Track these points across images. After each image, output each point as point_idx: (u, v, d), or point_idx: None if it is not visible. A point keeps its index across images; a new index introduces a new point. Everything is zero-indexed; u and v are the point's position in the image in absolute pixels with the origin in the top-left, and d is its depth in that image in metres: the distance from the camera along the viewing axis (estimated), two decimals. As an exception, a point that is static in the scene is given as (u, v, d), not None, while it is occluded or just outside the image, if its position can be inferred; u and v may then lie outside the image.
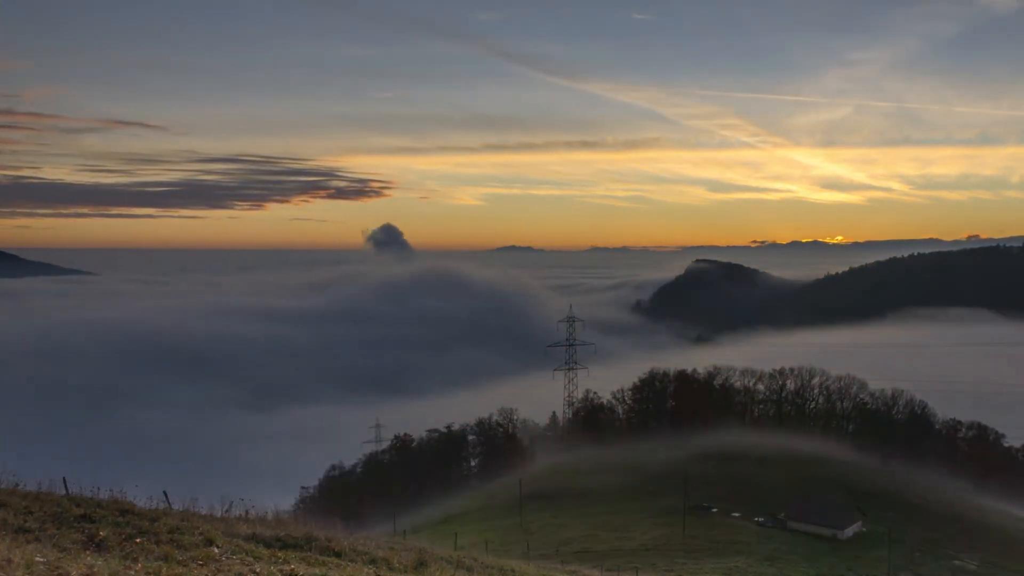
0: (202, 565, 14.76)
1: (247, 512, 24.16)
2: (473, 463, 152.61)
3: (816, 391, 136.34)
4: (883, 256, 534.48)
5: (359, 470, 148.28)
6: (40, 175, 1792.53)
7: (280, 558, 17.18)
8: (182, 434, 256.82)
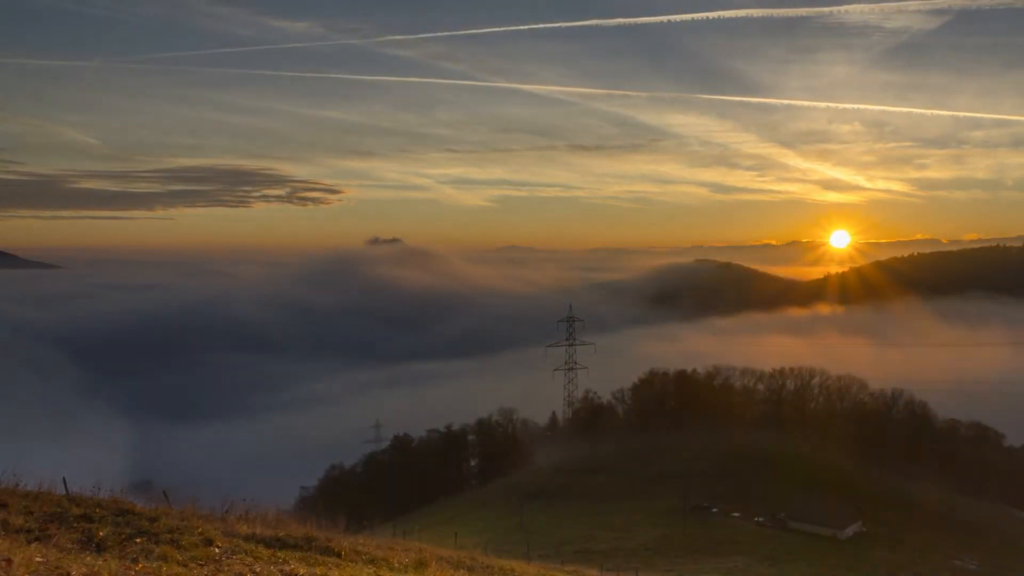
0: (202, 565, 14.76)
1: (247, 512, 24.13)
2: (473, 463, 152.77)
3: (816, 391, 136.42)
4: (883, 256, 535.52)
5: (359, 470, 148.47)
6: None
7: (280, 558, 17.18)
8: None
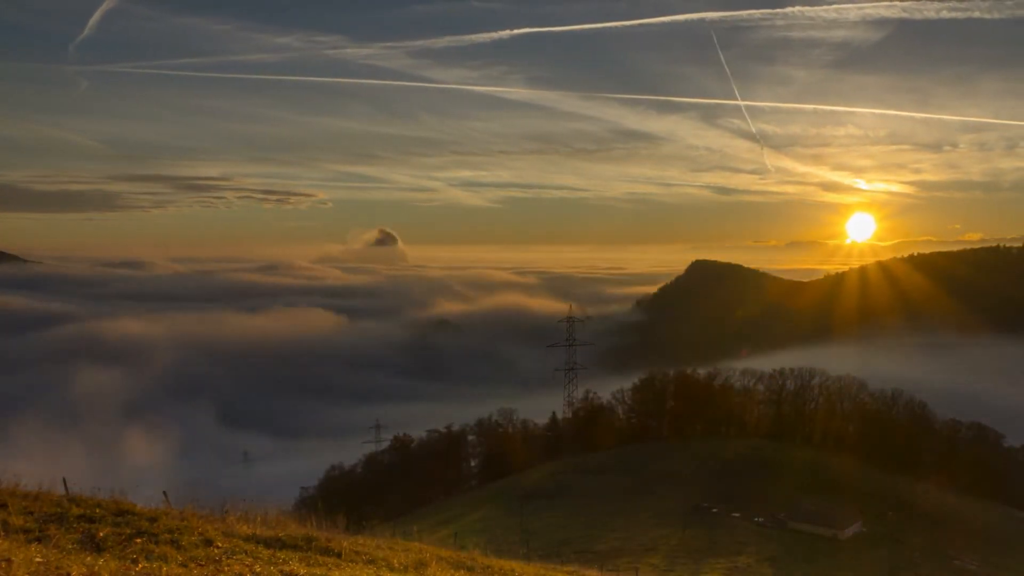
0: (202, 565, 14.77)
1: (247, 512, 24.13)
2: (473, 463, 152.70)
3: (816, 391, 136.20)
4: (884, 256, 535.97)
5: (359, 470, 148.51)
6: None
7: (280, 558, 17.20)
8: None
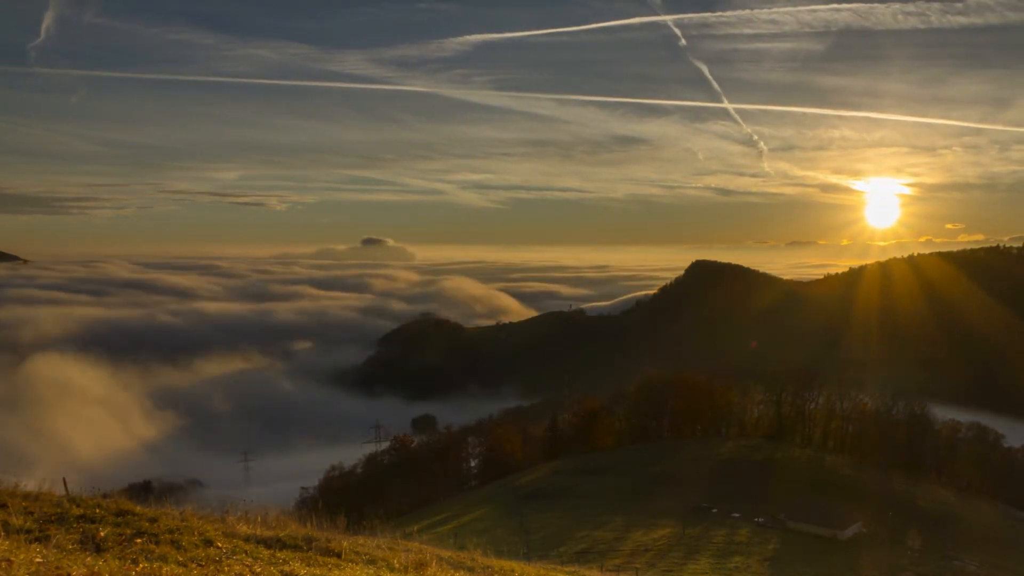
0: (202, 566, 14.77)
1: (247, 512, 24.14)
2: (473, 463, 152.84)
3: (816, 391, 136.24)
4: (883, 257, 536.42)
5: (359, 470, 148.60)
6: None
7: (280, 559, 17.20)
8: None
